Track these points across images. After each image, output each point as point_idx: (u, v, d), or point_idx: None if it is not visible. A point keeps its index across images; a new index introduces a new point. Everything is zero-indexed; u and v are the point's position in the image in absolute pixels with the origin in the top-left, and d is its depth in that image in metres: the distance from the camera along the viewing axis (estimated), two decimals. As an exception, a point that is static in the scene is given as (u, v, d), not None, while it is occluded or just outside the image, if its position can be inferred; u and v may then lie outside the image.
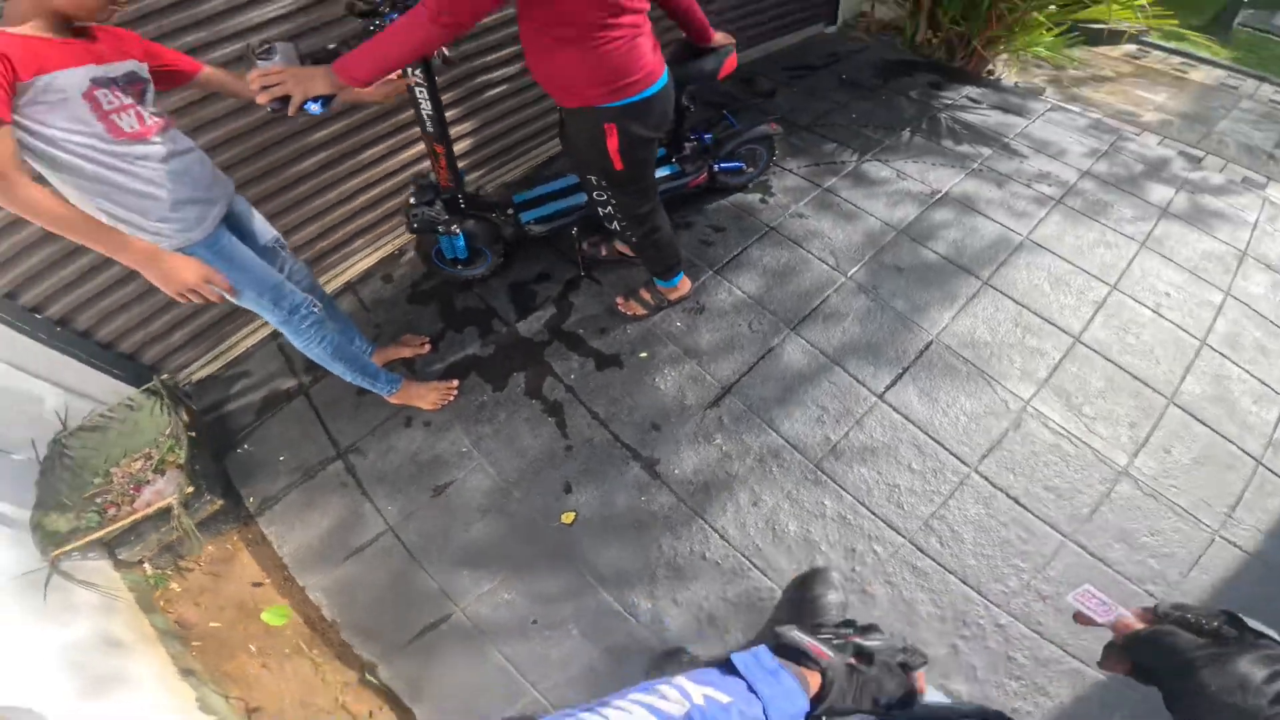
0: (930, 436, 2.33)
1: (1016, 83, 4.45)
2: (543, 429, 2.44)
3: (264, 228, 2.07)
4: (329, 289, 2.93)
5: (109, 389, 2.56)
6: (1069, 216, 3.17)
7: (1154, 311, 2.74)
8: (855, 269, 2.88)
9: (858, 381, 2.48)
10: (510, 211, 2.77)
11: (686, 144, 2.90)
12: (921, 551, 2.10)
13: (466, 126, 3.10)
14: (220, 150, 2.39)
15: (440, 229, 2.59)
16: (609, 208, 2.26)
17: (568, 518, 2.23)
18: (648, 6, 1.83)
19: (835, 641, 0.77)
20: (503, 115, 3.24)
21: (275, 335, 2.83)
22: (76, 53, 1.49)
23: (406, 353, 2.69)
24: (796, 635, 0.75)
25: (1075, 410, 2.41)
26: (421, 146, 2.94)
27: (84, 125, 1.50)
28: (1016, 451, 2.31)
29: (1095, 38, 4.80)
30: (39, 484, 2.32)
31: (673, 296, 2.71)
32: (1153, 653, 0.71)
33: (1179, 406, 2.45)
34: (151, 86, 1.69)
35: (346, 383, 2.36)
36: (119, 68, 1.58)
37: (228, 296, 1.79)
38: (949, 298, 2.76)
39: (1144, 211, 3.23)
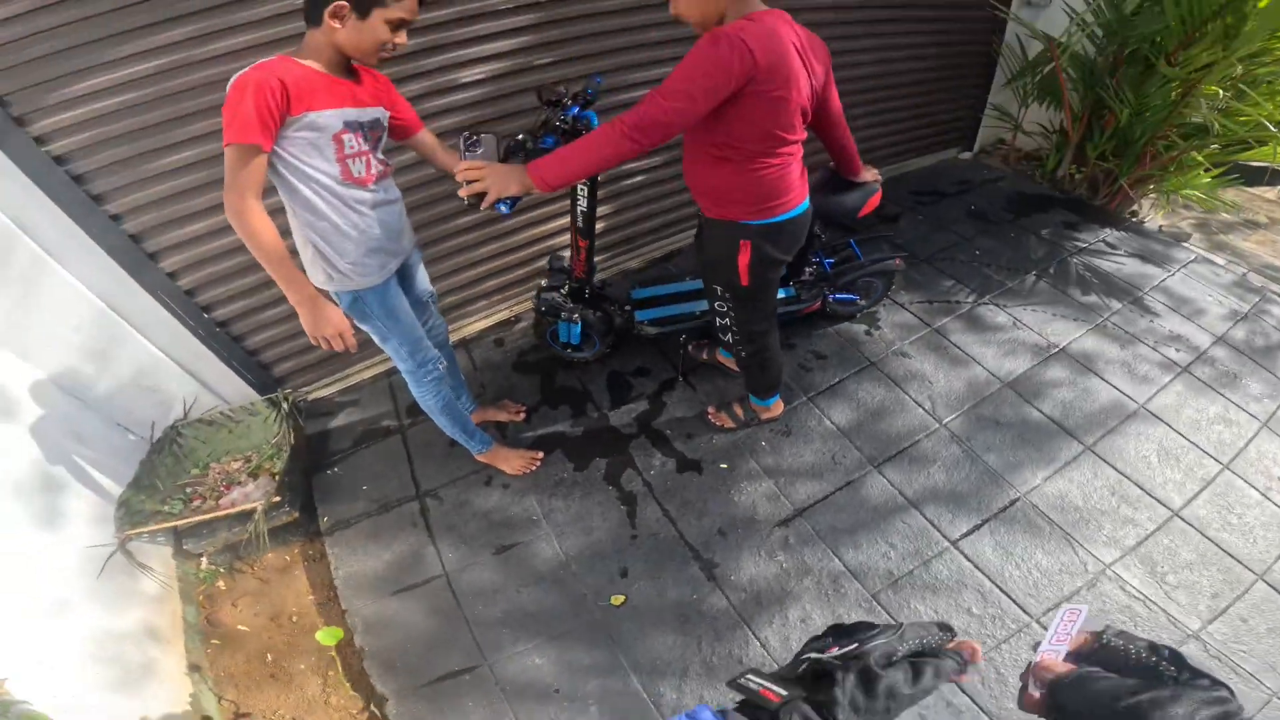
0: (996, 585, 2.28)
1: (1161, 226, 4.17)
2: (612, 514, 2.53)
3: (424, 281, 2.28)
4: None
5: (237, 391, 2.85)
6: (1193, 387, 2.99)
7: (1262, 494, 2.57)
8: (952, 417, 2.84)
9: (933, 525, 2.44)
10: (627, 307, 2.92)
11: (807, 269, 2.96)
12: (960, 689, 2.04)
13: (598, 211, 3.33)
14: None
15: (563, 315, 2.76)
16: (727, 319, 2.35)
17: (617, 600, 2.28)
18: (805, 136, 1.95)
19: (802, 664, 0.70)
20: (635, 205, 3.47)
21: (390, 373, 3.09)
22: (342, 93, 1.66)
23: (502, 417, 2.86)
24: (743, 680, 0.69)
25: (1157, 578, 2.30)
26: (556, 224, 3.20)
27: (326, 164, 1.68)
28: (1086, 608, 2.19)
29: (1253, 177, 4.50)
30: (142, 463, 2.54)
31: (764, 416, 2.78)
32: (1080, 699, 0.65)
33: (1268, 583, 2.29)
34: (386, 135, 1.86)
35: (441, 431, 2.51)
36: (369, 113, 1.75)
37: (377, 343, 2.02)
38: (1046, 459, 2.67)
39: (1273, 388, 3.01)
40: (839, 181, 2.49)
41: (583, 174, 1.77)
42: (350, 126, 1.68)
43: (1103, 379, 3.01)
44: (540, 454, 2.70)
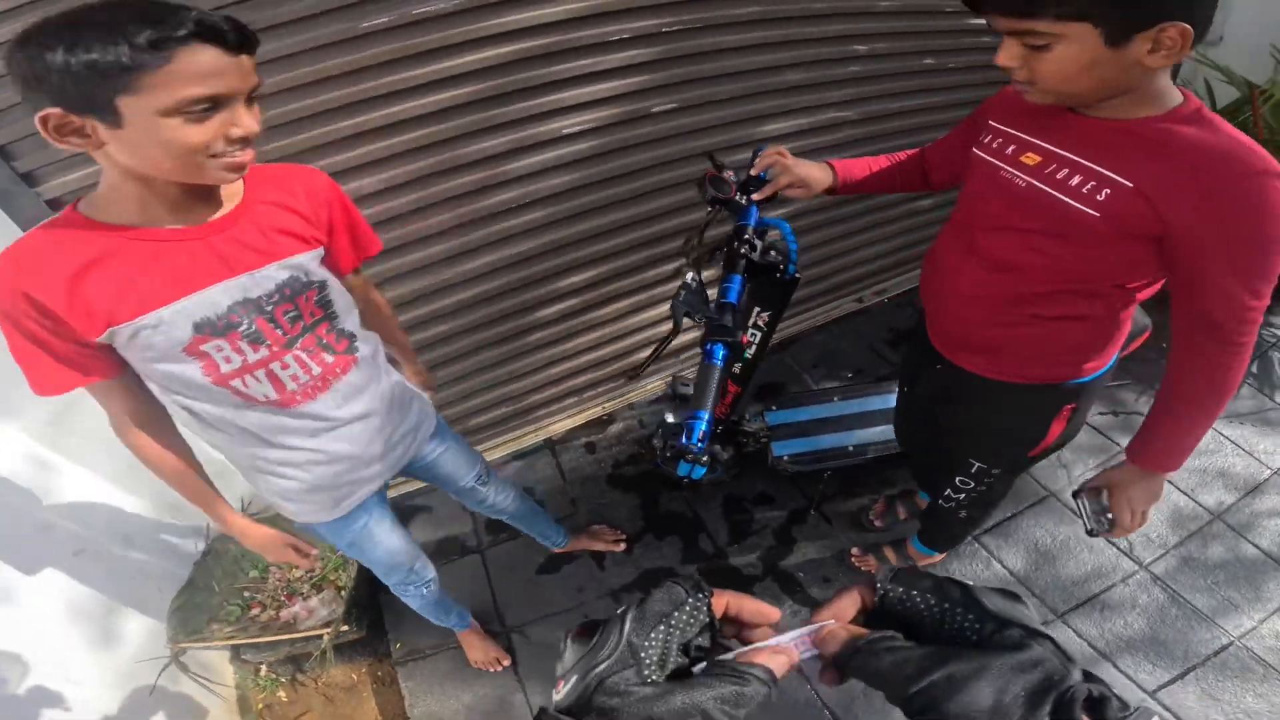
0: (1199, 734, 1.91)
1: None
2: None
3: (466, 466, 1.68)
4: (530, 441, 2.74)
5: None
6: None
7: None
8: (1155, 558, 2.31)
9: (1127, 677, 2.04)
10: (764, 438, 2.42)
11: None
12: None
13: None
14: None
15: (688, 458, 2.21)
16: (975, 492, 1.74)
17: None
18: None
19: None
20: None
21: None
22: (182, 261, 0.95)
23: (599, 546, 2.39)
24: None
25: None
26: (658, 310, 2.63)
27: (199, 392, 1.06)
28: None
29: None
30: (196, 565, 2.32)
31: (923, 563, 2.24)
32: (868, 677, 0.46)
33: None
34: (334, 287, 1.15)
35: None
36: (263, 279, 1.03)
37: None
38: (1262, 598, 2.20)
39: None
40: None
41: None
42: (209, 328, 0.99)
43: (1324, 502, 2.46)
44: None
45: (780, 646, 0.48)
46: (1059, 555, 2.31)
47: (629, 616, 0.47)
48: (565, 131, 2.04)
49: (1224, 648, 2.07)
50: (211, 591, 2.24)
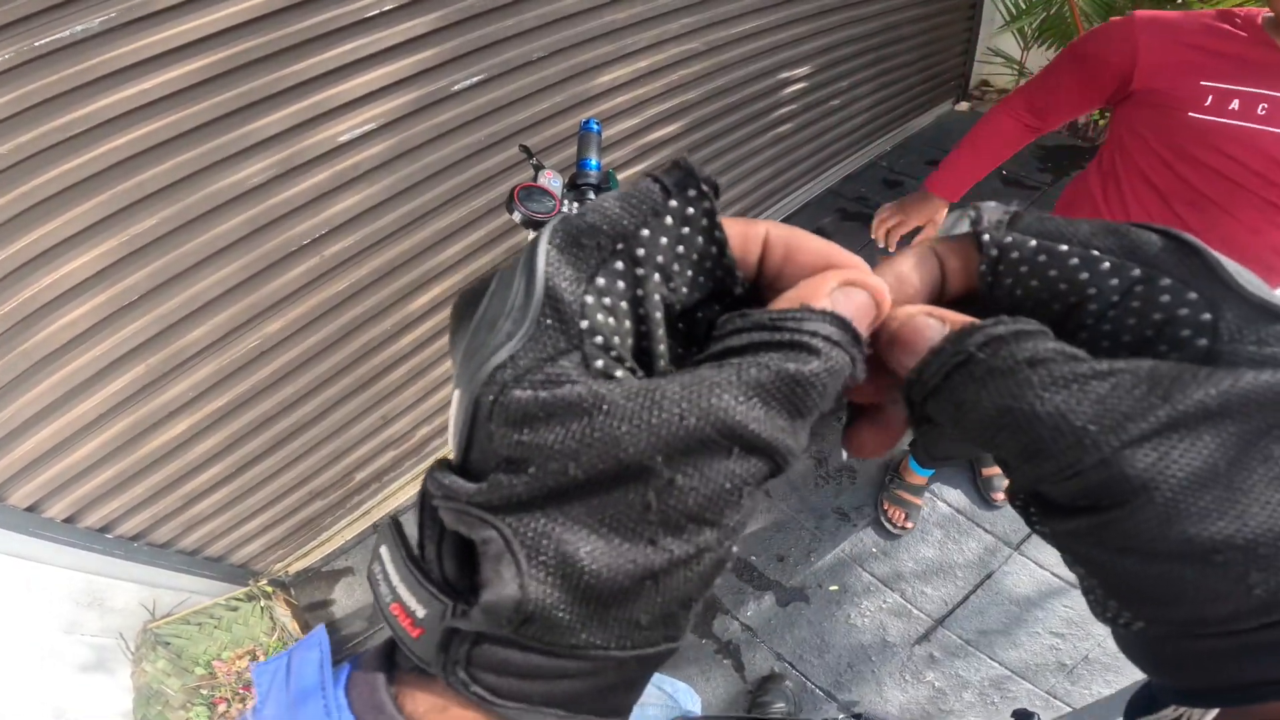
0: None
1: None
2: (716, 673, 1.87)
3: None
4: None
5: (201, 585, 2.07)
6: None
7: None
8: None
9: None
10: None
11: None
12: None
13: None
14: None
15: None
16: None
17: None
18: None
19: None
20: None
21: (376, 528, 2.16)
22: None
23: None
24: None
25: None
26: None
27: None
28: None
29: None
30: (134, 676, 1.95)
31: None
32: (972, 425, 0.19)
33: None
34: None
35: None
36: None
37: None
38: None
39: None
40: None
41: None
42: None
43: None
44: None
45: (851, 273, 0.21)
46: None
47: (542, 243, 0.19)
48: (344, 138, 1.50)
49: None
50: (167, 696, 1.91)
